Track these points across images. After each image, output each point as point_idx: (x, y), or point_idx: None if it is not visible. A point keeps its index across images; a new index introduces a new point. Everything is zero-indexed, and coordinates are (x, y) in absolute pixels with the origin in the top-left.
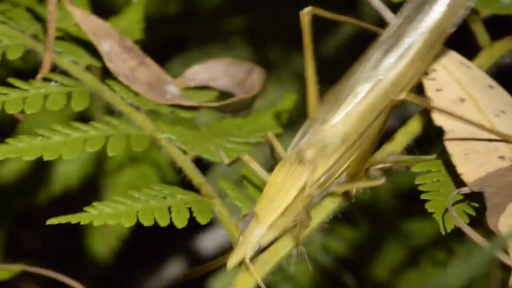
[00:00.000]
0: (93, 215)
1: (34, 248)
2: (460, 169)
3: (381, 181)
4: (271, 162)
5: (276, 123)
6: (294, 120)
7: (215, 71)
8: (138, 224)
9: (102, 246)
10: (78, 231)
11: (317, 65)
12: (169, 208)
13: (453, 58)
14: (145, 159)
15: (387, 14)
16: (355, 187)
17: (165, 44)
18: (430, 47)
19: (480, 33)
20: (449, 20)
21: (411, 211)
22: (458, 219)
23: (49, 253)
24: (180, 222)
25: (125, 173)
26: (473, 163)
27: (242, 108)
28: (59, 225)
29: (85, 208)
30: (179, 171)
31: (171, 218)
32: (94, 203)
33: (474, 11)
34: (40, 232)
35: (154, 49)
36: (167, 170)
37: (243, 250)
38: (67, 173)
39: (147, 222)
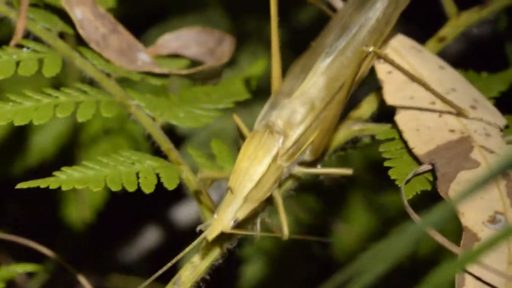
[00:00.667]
0: (62, 179)
1: (10, 218)
2: (411, 143)
3: (349, 171)
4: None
5: (245, 89)
6: (263, 87)
7: (186, 40)
8: (113, 196)
9: (77, 217)
10: (54, 202)
11: (292, 36)
12: (137, 174)
13: (404, 42)
14: (120, 131)
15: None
16: (322, 173)
17: (143, 15)
18: (389, 18)
19: (447, 3)
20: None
21: (384, 185)
22: (410, 211)
23: (25, 224)
24: (148, 188)
25: (99, 145)
26: (423, 137)
27: (212, 75)
28: (35, 196)
29: (54, 173)
30: (148, 137)
31: (138, 184)
32: (63, 168)
33: None
34: (17, 203)
35: (131, 20)
36: (141, 142)
37: (221, 224)
38: (43, 145)
39: (114, 187)
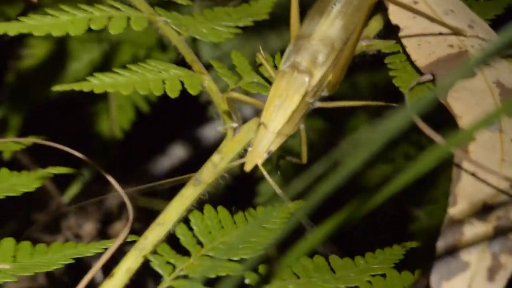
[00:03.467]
0: (94, 84)
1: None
2: (414, 56)
3: (364, 102)
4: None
5: (263, 11)
6: (280, 11)
7: None
8: (141, 117)
9: (108, 135)
10: (88, 119)
11: None
12: (163, 81)
13: None
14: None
15: None
16: (338, 105)
17: None
18: None
19: None
20: None
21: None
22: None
23: (61, 137)
24: (172, 93)
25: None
26: (425, 51)
27: None
28: (71, 113)
29: (87, 78)
30: (175, 50)
31: (164, 89)
32: (95, 74)
33: None
34: (53, 118)
35: None
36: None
37: (256, 156)
38: (77, 71)
39: (143, 91)
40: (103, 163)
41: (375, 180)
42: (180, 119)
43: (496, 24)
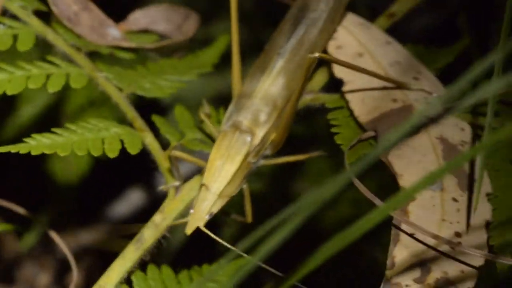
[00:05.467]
0: (32, 145)
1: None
2: (357, 112)
3: (303, 156)
4: None
5: (209, 62)
6: (226, 61)
7: (155, 16)
8: (97, 159)
9: (64, 178)
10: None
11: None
12: (103, 140)
13: (353, 19)
14: (104, 102)
15: None
16: (282, 161)
17: None
18: (333, 15)
19: None
20: None
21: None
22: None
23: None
24: (112, 153)
25: (85, 115)
26: (368, 106)
27: (178, 49)
28: (26, 160)
29: (25, 139)
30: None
31: (103, 149)
32: (34, 135)
33: None
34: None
35: None
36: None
37: (198, 218)
38: (31, 115)
39: (81, 152)
40: (59, 207)
41: (323, 231)
42: (138, 163)
43: (447, 73)
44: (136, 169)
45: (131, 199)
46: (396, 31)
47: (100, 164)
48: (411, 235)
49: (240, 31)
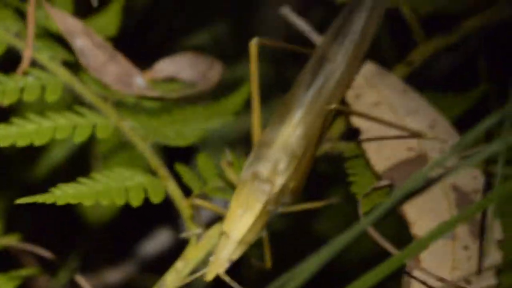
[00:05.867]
0: (57, 195)
1: (33, 222)
2: (373, 161)
3: (322, 203)
4: None
5: (232, 110)
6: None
7: (180, 64)
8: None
9: (94, 218)
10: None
11: None
12: (126, 189)
13: (371, 68)
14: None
15: (314, 36)
16: (301, 209)
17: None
18: (351, 66)
19: (415, 29)
20: (366, 41)
21: None
22: (371, 231)
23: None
24: (135, 202)
25: (117, 157)
26: (384, 155)
27: (202, 97)
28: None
29: (51, 189)
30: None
31: (127, 198)
32: (59, 185)
33: (412, 9)
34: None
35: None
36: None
37: (218, 266)
38: (62, 156)
39: (105, 202)
40: (88, 249)
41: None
42: (164, 207)
43: (466, 119)
44: (162, 213)
45: (157, 242)
46: (415, 77)
47: (128, 206)
48: (423, 282)
49: (260, 77)
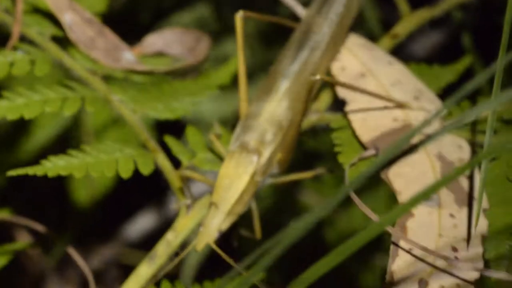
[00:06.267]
0: (48, 167)
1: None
2: (358, 131)
3: (310, 173)
4: None
5: (220, 84)
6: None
7: (169, 39)
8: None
9: (85, 196)
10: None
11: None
12: (117, 161)
13: (355, 41)
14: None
15: (299, 9)
16: (289, 180)
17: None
18: (336, 38)
19: (401, 2)
20: (351, 12)
21: None
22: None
23: (38, 202)
24: (125, 173)
25: (109, 133)
26: (369, 125)
27: (191, 71)
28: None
29: (41, 161)
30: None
31: (117, 170)
32: (50, 157)
33: None
34: (29, 184)
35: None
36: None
37: (208, 236)
38: (55, 132)
39: (95, 173)
40: (82, 224)
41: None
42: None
43: (451, 91)
44: (153, 187)
45: (146, 219)
46: (400, 51)
47: (121, 181)
48: (409, 251)
49: (247, 52)
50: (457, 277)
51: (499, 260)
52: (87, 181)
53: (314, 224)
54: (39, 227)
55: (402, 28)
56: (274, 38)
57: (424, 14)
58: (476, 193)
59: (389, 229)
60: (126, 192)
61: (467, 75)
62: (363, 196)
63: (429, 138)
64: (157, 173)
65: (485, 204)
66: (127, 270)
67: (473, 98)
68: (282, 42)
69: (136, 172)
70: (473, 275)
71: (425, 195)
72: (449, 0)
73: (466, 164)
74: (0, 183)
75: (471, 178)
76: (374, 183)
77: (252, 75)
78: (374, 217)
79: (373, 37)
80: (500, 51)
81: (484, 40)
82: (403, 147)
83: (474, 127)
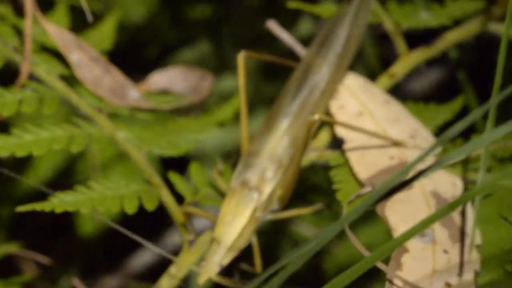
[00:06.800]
0: (54, 203)
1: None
2: (356, 169)
3: (310, 209)
4: None
5: (223, 120)
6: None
7: (173, 77)
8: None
9: (91, 229)
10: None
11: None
12: (121, 197)
13: (354, 80)
14: None
15: (298, 48)
16: (290, 216)
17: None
18: (335, 77)
19: (399, 42)
20: (349, 52)
21: None
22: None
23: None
24: (130, 209)
25: (116, 168)
26: (367, 163)
27: (195, 108)
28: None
29: (49, 197)
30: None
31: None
32: (57, 193)
33: (395, 23)
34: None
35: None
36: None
37: (209, 270)
38: (61, 166)
39: (101, 209)
40: (87, 257)
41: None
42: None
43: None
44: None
45: (151, 253)
46: (398, 90)
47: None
48: (404, 286)
49: (248, 87)
50: None
51: None
52: (93, 214)
53: (310, 255)
54: (46, 260)
55: (400, 67)
56: (275, 74)
57: (421, 54)
58: (469, 229)
59: (379, 264)
60: (131, 225)
61: (464, 113)
62: (364, 231)
63: (422, 173)
64: (161, 208)
65: (478, 240)
66: None
67: (468, 136)
68: (282, 77)
69: (141, 206)
70: None
71: (417, 230)
72: (446, 39)
73: (458, 199)
74: (7, 215)
75: (464, 215)
76: (375, 219)
77: (253, 109)
78: (365, 252)
79: (371, 75)
80: (493, 89)
81: (481, 78)
82: (397, 183)
83: (468, 165)
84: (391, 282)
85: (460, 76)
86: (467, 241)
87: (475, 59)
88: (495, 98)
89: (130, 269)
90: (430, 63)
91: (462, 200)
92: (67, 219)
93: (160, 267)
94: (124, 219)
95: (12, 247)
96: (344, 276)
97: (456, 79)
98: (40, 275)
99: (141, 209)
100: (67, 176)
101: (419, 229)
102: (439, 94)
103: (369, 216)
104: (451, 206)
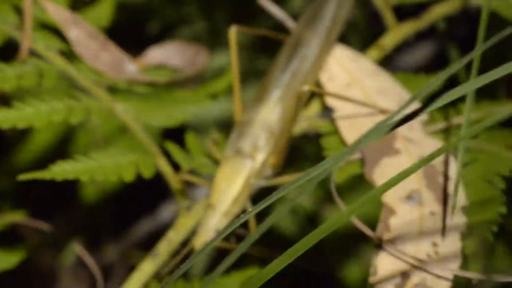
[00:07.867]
0: (55, 171)
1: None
2: (345, 136)
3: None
4: None
5: (217, 94)
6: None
7: (170, 52)
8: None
9: (94, 198)
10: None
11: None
12: (119, 166)
13: (343, 52)
14: None
15: (289, 22)
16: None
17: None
18: (324, 50)
19: (387, 15)
20: (338, 26)
21: None
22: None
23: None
24: (128, 177)
25: (117, 141)
26: (355, 131)
27: (191, 82)
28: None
29: (50, 166)
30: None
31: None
32: (58, 161)
33: None
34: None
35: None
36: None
37: (205, 235)
38: (63, 140)
39: (99, 178)
40: (91, 224)
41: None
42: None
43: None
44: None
45: (152, 221)
46: (389, 63)
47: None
48: (391, 246)
49: (240, 62)
50: (436, 271)
51: (476, 255)
52: (95, 185)
53: (293, 203)
54: (49, 228)
55: (389, 39)
56: (266, 48)
57: (410, 26)
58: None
59: (354, 219)
60: (130, 196)
61: (453, 85)
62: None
63: (411, 141)
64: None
65: (463, 201)
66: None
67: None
68: (273, 52)
69: (139, 178)
70: (451, 270)
71: (396, 181)
72: (434, 12)
73: (440, 148)
74: (10, 185)
75: (449, 178)
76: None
77: (246, 83)
78: (342, 206)
79: (362, 49)
80: (477, 39)
81: (469, 50)
82: (385, 150)
83: (455, 132)
84: (380, 239)
85: (449, 48)
86: (452, 202)
87: (464, 31)
88: (479, 48)
89: (132, 238)
90: (419, 36)
91: (444, 149)
92: (71, 189)
93: (160, 236)
94: (124, 191)
95: (16, 216)
96: (320, 231)
97: (445, 51)
98: (44, 243)
99: (139, 180)
100: (69, 153)
101: (399, 180)
102: (428, 67)
103: (361, 182)
104: (432, 156)
